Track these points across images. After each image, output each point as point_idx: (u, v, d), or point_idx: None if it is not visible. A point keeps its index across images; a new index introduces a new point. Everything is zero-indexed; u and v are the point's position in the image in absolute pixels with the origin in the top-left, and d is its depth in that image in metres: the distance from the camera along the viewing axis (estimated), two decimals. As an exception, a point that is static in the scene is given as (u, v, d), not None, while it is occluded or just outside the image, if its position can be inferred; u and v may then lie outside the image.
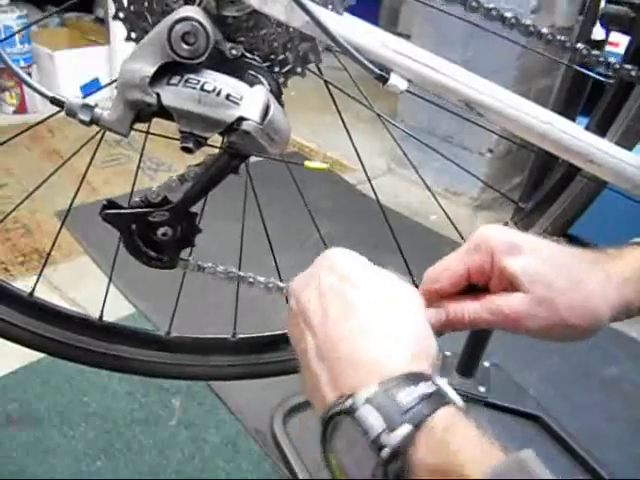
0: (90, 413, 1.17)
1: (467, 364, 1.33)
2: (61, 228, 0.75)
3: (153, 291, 1.43)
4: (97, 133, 0.58)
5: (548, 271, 0.46)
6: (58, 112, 0.53)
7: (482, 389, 1.31)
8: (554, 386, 1.39)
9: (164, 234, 0.56)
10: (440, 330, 0.48)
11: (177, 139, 0.51)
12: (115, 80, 0.49)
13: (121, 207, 0.56)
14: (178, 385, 1.25)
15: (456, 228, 0.70)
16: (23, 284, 1.51)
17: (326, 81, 0.63)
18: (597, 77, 0.63)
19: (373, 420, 0.35)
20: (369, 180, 0.79)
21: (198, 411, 1.21)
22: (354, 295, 0.43)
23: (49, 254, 0.74)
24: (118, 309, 1.42)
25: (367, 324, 0.41)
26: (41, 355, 0.76)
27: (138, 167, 0.76)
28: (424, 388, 0.36)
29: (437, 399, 0.36)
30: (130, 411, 1.19)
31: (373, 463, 0.35)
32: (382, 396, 0.36)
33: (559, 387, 1.39)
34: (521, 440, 1.23)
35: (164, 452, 1.11)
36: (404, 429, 0.34)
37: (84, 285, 1.51)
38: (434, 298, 0.49)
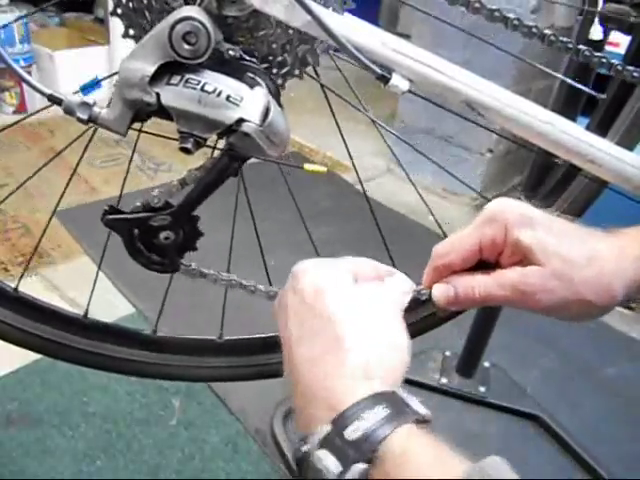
0: (90, 413, 1.17)
1: (467, 364, 1.33)
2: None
3: (153, 291, 1.43)
4: (87, 129, 0.56)
5: (563, 245, 0.44)
6: (49, 106, 0.53)
7: (482, 389, 1.31)
8: (554, 386, 1.39)
9: (166, 238, 0.56)
10: (449, 307, 0.47)
11: (175, 139, 0.51)
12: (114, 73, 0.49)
13: (122, 212, 0.56)
14: (178, 385, 1.25)
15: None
16: (23, 284, 1.51)
17: (322, 85, 0.63)
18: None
19: (327, 463, 0.35)
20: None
21: (198, 411, 1.21)
22: (312, 320, 0.42)
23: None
24: (118, 309, 1.42)
25: (321, 353, 0.41)
26: (41, 355, 0.76)
27: (128, 169, 0.75)
28: (375, 415, 0.36)
29: (389, 422, 0.35)
30: (130, 411, 1.19)
31: None
32: (333, 435, 0.36)
33: (559, 387, 1.39)
34: (521, 440, 1.23)
35: (164, 452, 1.11)
36: (358, 467, 0.34)
37: (84, 285, 1.51)
38: (443, 274, 0.47)
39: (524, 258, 0.45)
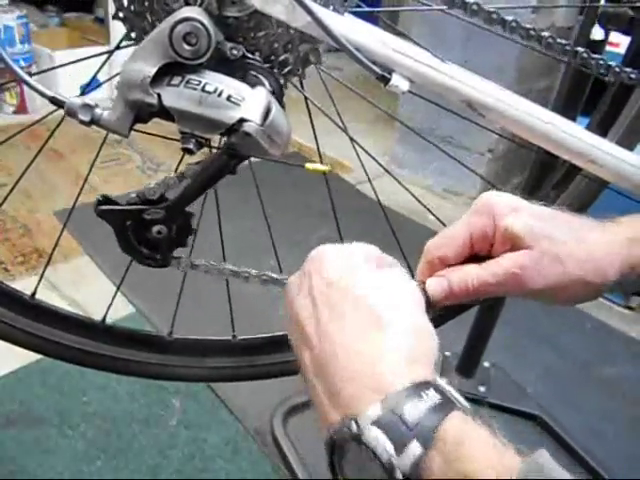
0: (90, 413, 1.17)
1: (467, 364, 1.33)
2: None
3: (153, 291, 1.43)
4: (60, 122, 0.55)
5: (551, 227, 0.45)
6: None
7: (482, 389, 1.31)
8: (554, 386, 1.39)
9: (159, 232, 0.56)
10: (445, 301, 0.47)
11: (175, 139, 0.51)
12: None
13: (116, 203, 0.55)
14: (178, 385, 1.25)
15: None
16: (23, 284, 1.51)
17: (306, 97, 0.63)
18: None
19: (382, 443, 0.34)
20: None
21: (198, 411, 1.21)
22: (345, 302, 0.41)
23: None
24: (118, 309, 1.42)
25: (360, 334, 0.40)
26: (40, 355, 0.76)
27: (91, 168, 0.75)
28: (428, 399, 0.35)
29: (442, 408, 0.35)
30: (130, 411, 1.19)
31: None
32: (387, 416, 0.34)
33: (559, 387, 1.39)
34: (521, 440, 1.23)
35: (164, 452, 1.11)
36: (414, 450, 0.33)
37: (83, 285, 1.51)
38: (437, 268, 0.48)
39: (514, 246, 0.45)
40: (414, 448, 0.33)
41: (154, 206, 0.55)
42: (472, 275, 0.46)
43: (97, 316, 0.77)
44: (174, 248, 0.58)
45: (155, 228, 0.55)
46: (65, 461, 1.07)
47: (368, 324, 0.40)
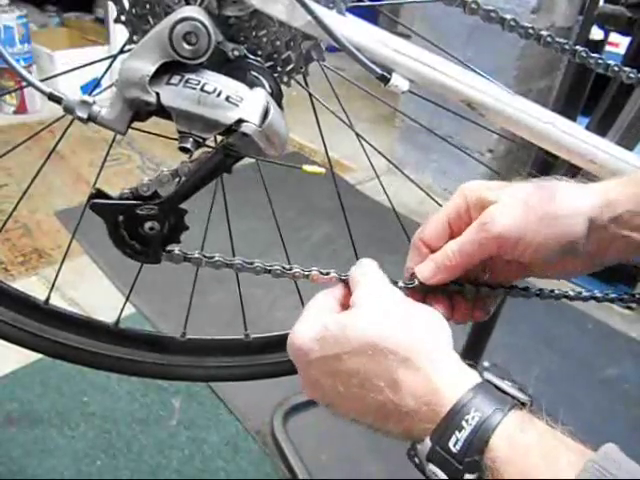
0: (90, 413, 1.17)
1: (467, 364, 1.33)
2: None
3: (153, 292, 1.43)
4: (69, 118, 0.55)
5: (515, 187, 0.48)
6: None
7: (482, 389, 1.30)
8: (554, 386, 1.39)
9: (151, 228, 0.55)
10: (436, 280, 0.49)
11: (175, 138, 0.51)
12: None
13: (110, 197, 0.55)
14: (178, 385, 1.25)
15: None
16: (23, 284, 1.51)
17: (310, 94, 0.63)
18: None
19: (441, 477, 0.37)
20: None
21: (198, 411, 1.21)
22: (359, 363, 0.42)
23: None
24: (118, 310, 1.41)
25: (394, 378, 0.41)
26: (41, 355, 0.76)
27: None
28: (468, 425, 0.36)
29: (484, 429, 0.36)
30: (130, 411, 1.19)
31: None
32: (437, 451, 0.37)
33: (559, 387, 1.39)
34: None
35: (164, 452, 1.11)
36: (469, 477, 0.36)
37: (84, 285, 1.51)
38: (422, 252, 0.51)
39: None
40: (468, 477, 0.36)
41: (147, 202, 0.54)
42: (450, 246, 0.48)
43: (97, 316, 0.77)
44: (167, 244, 0.58)
45: (148, 224, 0.55)
46: (65, 461, 1.07)
47: (396, 367, 0.41)
